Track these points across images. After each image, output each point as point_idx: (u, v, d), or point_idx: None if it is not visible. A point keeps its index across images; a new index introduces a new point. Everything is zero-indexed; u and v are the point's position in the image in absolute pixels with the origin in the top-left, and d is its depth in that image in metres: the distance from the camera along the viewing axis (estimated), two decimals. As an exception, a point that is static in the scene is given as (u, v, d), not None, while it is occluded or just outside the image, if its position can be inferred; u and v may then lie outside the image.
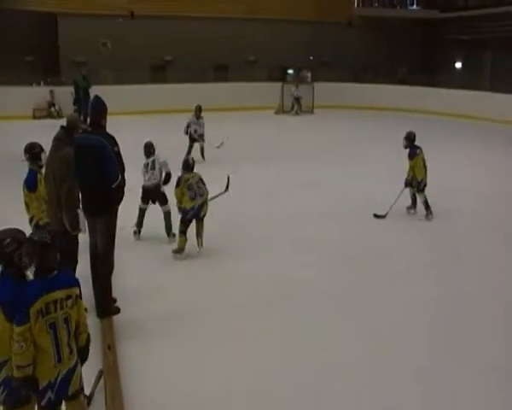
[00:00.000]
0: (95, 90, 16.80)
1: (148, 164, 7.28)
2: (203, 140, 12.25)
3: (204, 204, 6.78)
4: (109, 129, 5.19)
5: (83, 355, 3.34)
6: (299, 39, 23.71)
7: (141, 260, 6.72)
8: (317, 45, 23.85)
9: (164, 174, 7.28)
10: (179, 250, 6.74)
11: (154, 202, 7.36)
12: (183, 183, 6.69)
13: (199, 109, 12.25)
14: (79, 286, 3.26)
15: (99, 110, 5.13)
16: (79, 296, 3.22)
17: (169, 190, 7.19)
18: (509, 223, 8.44)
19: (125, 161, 5.20)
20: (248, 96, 21.17)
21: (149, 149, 7.39)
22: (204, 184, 6.87)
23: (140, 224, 7.37)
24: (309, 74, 22.45)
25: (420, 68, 24.91)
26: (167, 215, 7.29)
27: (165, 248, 6.95)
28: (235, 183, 8.25)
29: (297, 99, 21.25)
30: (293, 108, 21.24)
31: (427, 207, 8.37)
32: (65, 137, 5.27)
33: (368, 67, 24.25)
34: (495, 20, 22.40)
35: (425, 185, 8.30)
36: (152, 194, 7.29)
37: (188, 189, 6.66)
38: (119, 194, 5.09)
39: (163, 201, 7.30)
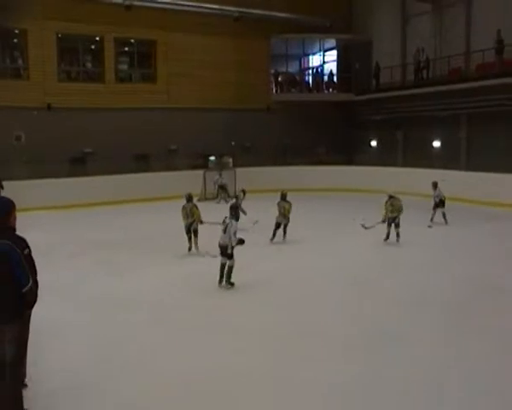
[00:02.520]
0: (8, 186, 16.72)
1: (224, 224, 9.38)
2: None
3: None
4: (23, 225, 5.02)
5: None
6: (219, 126, 24.30)
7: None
8: (237, 131, 24.51)
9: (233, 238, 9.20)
10: None
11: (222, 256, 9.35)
12: None
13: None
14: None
15: (4, 211, 4.92)
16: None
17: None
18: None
19: (42, 258, 4.99)
20: (170, 184, 21.28)
21: (231, 212, 9.54)
22: None
23: (221, 272, 9.43)
24: (230, 160, 22.90)
25: (338, 148, 26.00)
26: (229, 268, 9.32)
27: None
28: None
29: (222, 187, 21.47)
30: (217, 196, 21.41)
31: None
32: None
33: (288, 149, 25.01)
34: (404, 101, 23.83)
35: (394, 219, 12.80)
36: (221, 250, 9.33)
37: None
38: (30, 298, 4.89)
39: (228, 257, 9.30)
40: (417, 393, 5.72)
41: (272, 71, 27.17)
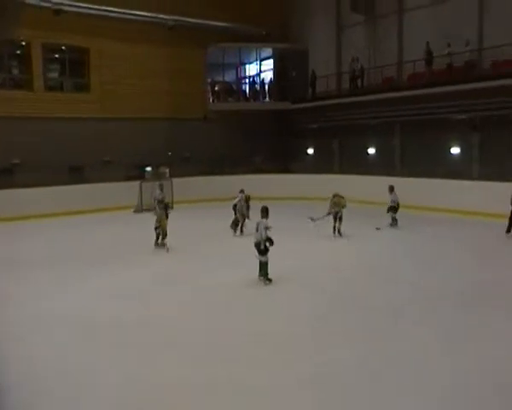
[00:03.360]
0: None
1: (257, 224, 10.18)
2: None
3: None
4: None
5: None
6: (156, 136, 23.85)
7: None
8: (174, 141, 24.11)
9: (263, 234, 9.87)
10: None
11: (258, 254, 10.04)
12: None
13: None
14: None
15: None
16: None
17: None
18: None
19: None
20: (106, 196, 20.66)
21: (262, 213, 10.18)
22: None
23: (260, 269, 10.19)
24: (167, 170, 22.41)
25: (275, 156, 26.06)
26: (264, 264, 10.05)
27: None
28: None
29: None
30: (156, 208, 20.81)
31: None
32: None
33: (226, 158, 24.81)
34: (339, 109, 24.18)
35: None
36: (256, 248, 10.00)
37: None
38: None
39: (262, 254, 9.99)
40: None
41: (209, 80, 26.98)
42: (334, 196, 14.93)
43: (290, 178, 24.13)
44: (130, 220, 19.38)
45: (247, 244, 10.79)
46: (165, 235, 13.93)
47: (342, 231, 14.76)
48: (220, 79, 27.77)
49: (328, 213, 14.74)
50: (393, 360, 6.66)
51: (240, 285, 10.20)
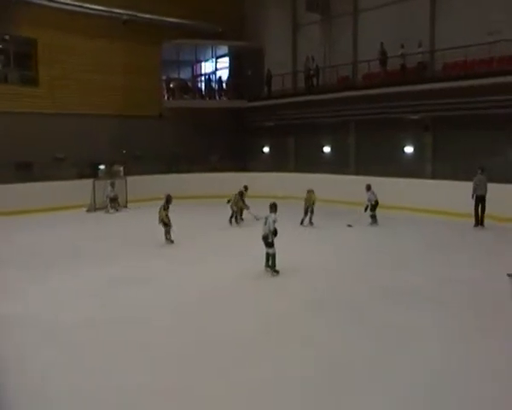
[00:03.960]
0: None
1: (265, 218, 10.57)
2: None
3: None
4: None
5: None
6: (109, 133, 23.34)
7: None
8: (129, 139, 23.63)
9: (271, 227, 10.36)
10: None
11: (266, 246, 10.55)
12: None
13: None
14: None
15: None
16: None
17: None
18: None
19: None
20: (57, 195, 20.01)
21: (270, 208, 10.59)
22: None
23: (266, 260, 10.70)
24: (121, 169, 21.91)
25: (231, 155, 25.93)
26: (271, 256, 10.52)
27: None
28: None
29: (113, 199, 20.46)
30: (107, 206, 20.37)
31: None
32: None
33: (181, 157, 24.50)
34: (295, 107, 24.27)
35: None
36: (264, 241, 10.51)
37: None
38: None
39: (269, 246, 10.49)
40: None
41: (164, 77, 26.56)
42: (308, 192, 16.28)
43: (246, 177, 23.98)
44: (83, 219, 18.82)
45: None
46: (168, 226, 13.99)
47: (313, 221, 16.23)
48: (176, 76, 27.40)
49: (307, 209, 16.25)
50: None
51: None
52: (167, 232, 13.89)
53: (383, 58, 21.23)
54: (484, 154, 17.65)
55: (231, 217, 16.83)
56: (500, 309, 8.57)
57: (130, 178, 21.20)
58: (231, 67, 28.50)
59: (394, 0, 21.41)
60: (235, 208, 16.81)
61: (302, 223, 16.24)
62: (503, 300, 9.05)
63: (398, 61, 20.65)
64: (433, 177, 19.28)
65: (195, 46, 27.34)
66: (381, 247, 13.59)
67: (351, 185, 19.62)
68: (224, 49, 28.20)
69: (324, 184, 21.11)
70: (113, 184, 20.52)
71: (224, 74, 28.29)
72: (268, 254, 10.63)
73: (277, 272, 10.51)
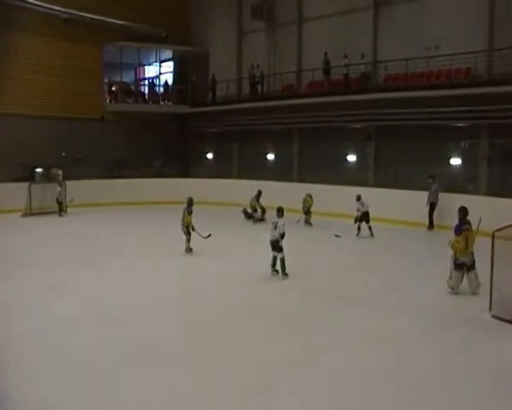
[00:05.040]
0: None
1: (274, 223, 10.81)
2: None
3: None
4: None
5: None
6: (48, 136, 22.45)
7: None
8: (69, 141, 22.82)
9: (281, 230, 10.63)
10: None
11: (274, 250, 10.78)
12: None
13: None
14: None
15: None
16: None
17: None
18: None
19: None
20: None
21: (278, 212, 10.86)
22: None
23: (273, 264, 10.95)
24: (60, 172, 21.12)
25: (175, 160, 25.59)
26: (282, 260, 10.69)
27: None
28: None
29: (60, 202, 19.76)
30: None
31: None
32: None
33: (124, 161, 23.93)
34: (239, 114, 24.25)
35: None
36: (273, 245, 10.73)
37: None
38: None
39: (279, 250, 10.70)
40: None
41: (106, 79, 25.92)
42: (306, 195, 17.84)
43: (189, 183, 23.75)
44: (17, 225, 17.96)
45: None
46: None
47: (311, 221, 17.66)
48: (118, 79, 26.80)
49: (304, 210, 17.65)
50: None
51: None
52: (188, 240, 13.12)
53: (327, 68, 21.55)
54: (423, 163, 18.25)
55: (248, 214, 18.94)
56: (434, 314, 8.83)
57: (69, 182, 20.42)
58: (175, 72, 28.23)
59: (338, 11, 21.79)
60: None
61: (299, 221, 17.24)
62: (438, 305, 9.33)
63: (341, 71, 21.01)
64: (376, 185, 19.68)
65: (139, 49, 26.90)
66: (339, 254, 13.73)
67: (294, 192, 19.73)
68: (168, 54, 27.90)
69: (267, 190, 21.22)
70: (60, 184, 19.83)
71: (168, 79, 27.93)
72: (275, 258, 10.85)
73: (287, 275, 10.72)
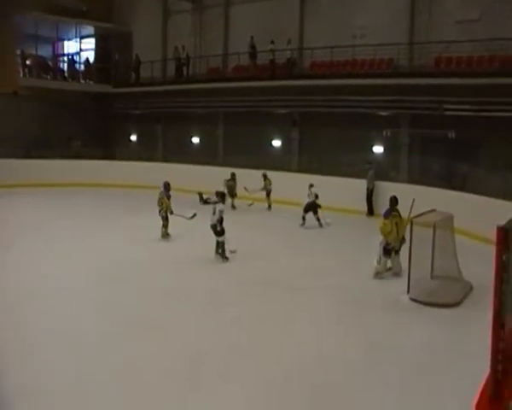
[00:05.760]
0: None
1: (213, 208, 10.98)
2: None
3: None
4: None
5: None
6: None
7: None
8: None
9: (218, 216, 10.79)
10: None
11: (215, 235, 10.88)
12: None
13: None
14: None
15: None
16: None
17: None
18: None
19: None
20: None
21: (217, 197, 11.12)
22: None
23: (216, 248, 11.01)
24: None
25: (96, 142, 24.60)
26: (220, 244, 10.88)
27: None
28: None
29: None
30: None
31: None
32: None
33: (39, 141, 22.66)
34: (164, 96, 23.66)
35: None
36: (212, 229, 10.84)
37: None
38: None
39: (217, 234, 10.82)
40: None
41: (18, 51, 24.22)
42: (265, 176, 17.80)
43: (112, 165, 22.98)
44: None
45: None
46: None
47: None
48: (33, 52, 25.23)
49: (262, 189, 17.74)
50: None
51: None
52: (165, 226, 12.92)
53: (253, 52, 21.45)
54: (347, 150, 18.67)
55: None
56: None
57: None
58: (97, 50, 27.00)
59: (265, -4, 21.72)
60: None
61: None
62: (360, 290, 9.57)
63: (267, 56, 20.98)
64: (299, 170, 19.87)
65: (57, 23, 25.43)
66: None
67: (218, 176, 19.55)
68: (89, 30, 26.62)
69: (192, 174, 20.97)
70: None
71: (89, 56, 26.70)
72: (218, 242, 10.93)
73: (227, 258, 10.89)
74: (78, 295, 8.66)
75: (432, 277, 9.76)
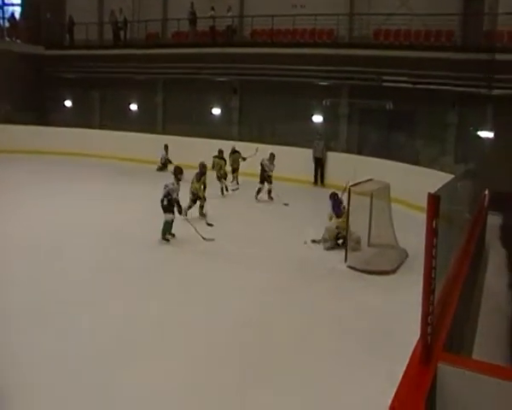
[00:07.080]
0: None
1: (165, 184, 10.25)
2: None
3: None
4: None
5: None
6: None
7: None
8: None
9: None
10: None
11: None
12: None
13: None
14: None
15: None
16: None
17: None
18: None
19: None
20: None
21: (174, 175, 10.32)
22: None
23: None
24: None
25: (27, 106, 23.37)
26: (164, 222, 10.07)
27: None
28: None
29: None
30: None
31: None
32: None
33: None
34: (101, 60, 22.75)
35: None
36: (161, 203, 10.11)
37: None
38: None
39: (164, 210, 10.06)
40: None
41: None
42: (234, 152, 16.32)
43: (44, 131, 21.99)
44: None
45: None
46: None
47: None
48: None
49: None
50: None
51: None
52: (202, 206, 12.24)
53: (193, 18, 20.98)
54: (285, 119, 18.71)
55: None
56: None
57: None
58: (24, 5, 25.32)
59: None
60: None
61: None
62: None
63: (207, 22, 20.57)
64: (240, 139, 19.74)
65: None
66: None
67: (156, 144, 19.18)
68: (15, -18, 24.95)
69: (130, 142, 20.51)
70: None
71: (16, 12, 24.96)
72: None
73: (167, 240, 10.08)
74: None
75: (369, 245, 9.99)
